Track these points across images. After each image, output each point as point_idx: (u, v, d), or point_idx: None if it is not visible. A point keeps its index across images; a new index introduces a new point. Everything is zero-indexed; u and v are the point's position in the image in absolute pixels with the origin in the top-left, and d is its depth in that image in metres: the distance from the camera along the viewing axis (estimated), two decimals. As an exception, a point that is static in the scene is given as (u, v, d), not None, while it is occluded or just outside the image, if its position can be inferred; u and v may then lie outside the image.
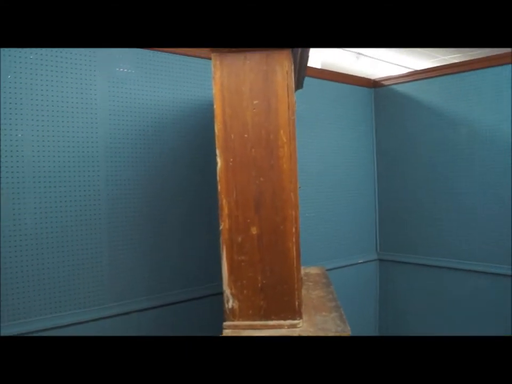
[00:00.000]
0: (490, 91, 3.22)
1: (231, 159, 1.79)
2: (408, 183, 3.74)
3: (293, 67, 1.81)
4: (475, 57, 3.44)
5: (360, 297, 3.87)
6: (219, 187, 1.80)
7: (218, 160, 1.79)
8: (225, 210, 1.80)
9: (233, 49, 1.78)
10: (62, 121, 2.27)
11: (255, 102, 1.80)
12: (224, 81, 1.79)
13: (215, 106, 1.78)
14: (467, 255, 3.40)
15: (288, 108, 1.80)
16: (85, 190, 2.33)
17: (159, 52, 2.64)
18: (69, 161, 2.29)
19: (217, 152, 1.79)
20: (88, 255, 2.33)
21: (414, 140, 3.67)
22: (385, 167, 3.90)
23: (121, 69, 2.48)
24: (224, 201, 1.80)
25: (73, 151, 2.31)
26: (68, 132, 2.29)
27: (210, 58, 2.87)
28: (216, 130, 1.79)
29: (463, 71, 3.36)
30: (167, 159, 2.66)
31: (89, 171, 2.35)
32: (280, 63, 1.79)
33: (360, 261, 3.86)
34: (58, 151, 2.26)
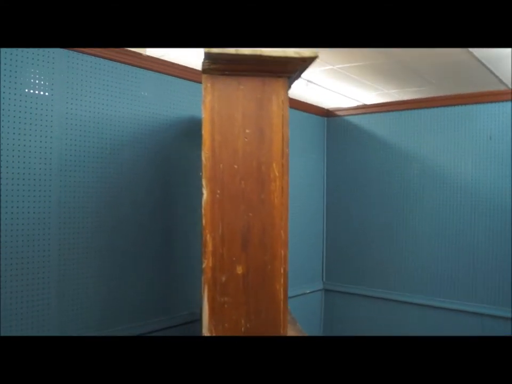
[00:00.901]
0: (439, 129, 3.35)
1: (218, 191, 1.64)
2: (356, 214, 3.77)
3: (288, 96, 1.70)
4: (416, 94, 3.57)
5: (307, 326, 3.80)
6: (203, 221, 1.63)
7: (204, 191, 1.63)
8: (209, 247, 1.64)
9: (227, 72, 1.64)
10: (14, 137, 1.98)
11: (247, 130, 1.67)
12: (215, 106, 1.65)
13: (203, 132, 1.63)
14: (409, 288, 3.48)
15: (283, 139, 1.69)
16: (34, 213, 2.03)
17: (119, 64, 2.42)
18: (18, 180, 1.99)
19: (203, 182, 1.63)
20: (35, 286, 2.03)
21: (365, 172, 3.72)
22: (335, 197, 3.91)
23: (80, 81, 2.23)
24: (208, 236, 1.63)
25: (24, 170, 2.01)
26: (20, 147, 2.00)
27: (176, 76, 2.74)
28: (203, 159, 1.63)
29: (416, 108, 3.47)
30: (124, 180, 2.43)
31: (40, 191, 2.06)
32: (276, 92, 1.69)
33: (307, 291, 3.80)
34: (7, 171, 1.95)
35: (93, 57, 2.27)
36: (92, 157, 2.26)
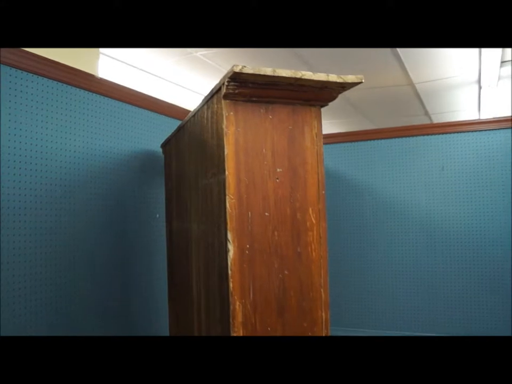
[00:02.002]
0: (391, 161, 3.29)
1: (248, 245, 1.31)
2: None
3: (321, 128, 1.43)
4: (346, 125, 3.50)
5: None
6: (230, 285, 1.29)
7: (230, 247, 1.29)
8: (239, 318, 1.30)
9: (254, 98, 1.33)
10: None
11: (278, 169, 1.37)
12: (239, 139, 1.33)
13: (227, 172, 1.30)
14: (359, 324, 3.39)
15: (318, 180, 1.41)
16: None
17: (74, 88, 1.98)
18: None
19: (229, 236, 1.29)
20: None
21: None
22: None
23: (24, 106, 1.76)
24: (237, 304, 1.29)
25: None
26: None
27: (132, 104, 2.35)
28: (227, 206, 1.30)
29: (366, 140, 3.38)
30: (79, 222, 1.97)
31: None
32: (309, 124, 1.41)
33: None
34: None
35: (36, 76, 1.82)
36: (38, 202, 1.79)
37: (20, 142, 1.74)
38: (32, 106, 1.80)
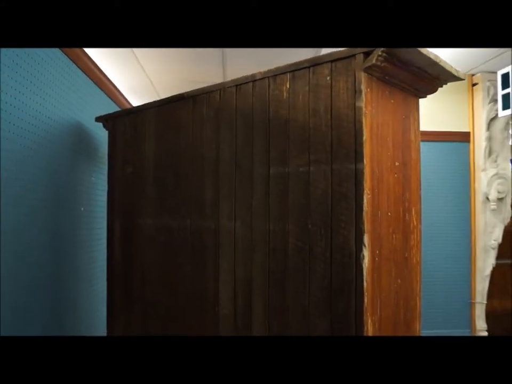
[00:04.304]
0: None
1: (377, 251, 1.10)
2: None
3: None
4: None
5: None
6: (365, 300, 1.05)
7: (366, 253, 1.05)
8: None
9: (387, 77, 1.13)
10: None
11: (396, 163, 1.19)
12: (373, 123, 1.10)
13: (364, 162, 1.06)
14: None
15: (418, 178, 1.29)
16: None
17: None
18: None
19: (365, 239, 1.05)
20: None
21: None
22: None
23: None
24: (369, 323, 1.06)
25: None
26: None
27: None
28: (364, 203, 1.06)
29: None
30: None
31: None
32: (413, 114, 1.27)
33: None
34: None
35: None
36: None
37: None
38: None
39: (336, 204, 1.10)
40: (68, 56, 1.73)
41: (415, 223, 1.25)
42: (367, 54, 1.06)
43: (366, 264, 1.05)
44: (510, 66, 2.75)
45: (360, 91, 1.06)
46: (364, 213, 1.05)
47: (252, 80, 1.30)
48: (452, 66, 1.19)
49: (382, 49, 1.03)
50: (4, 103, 1.29)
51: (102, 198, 2.17)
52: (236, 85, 1.34)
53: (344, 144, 1.08)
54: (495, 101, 3.14)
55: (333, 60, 1.12)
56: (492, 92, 3.13)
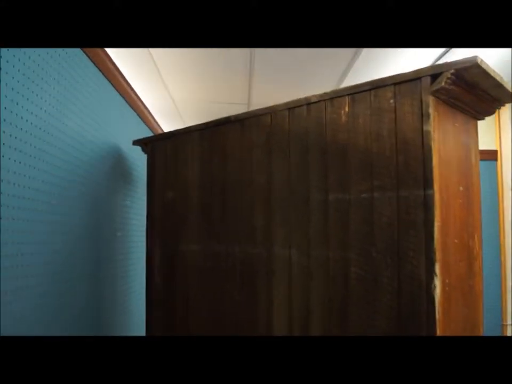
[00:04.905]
0: None
1: (447, 281, 1.06)
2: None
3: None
4: None
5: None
6: (437, 332, 1.01)
7: (437, 282, 1.01)
8: (443, 373, 1.02)
9: (452, 100, 1.10)
10: None
11: (461, 188, 1.15)
12: (441, 148, 1.07)
13: (434, 189, 1.02)
14: None
15: (479, 201, 1.25)
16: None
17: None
18: None
19: (437, 268, 1.01)
20: None
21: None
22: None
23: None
24: (443, 356, 1.01)
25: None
26: None
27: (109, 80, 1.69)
28: (435, 231, 1.02)
29: None
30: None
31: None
32: (473, 137, 1.24)
33: None
34: None
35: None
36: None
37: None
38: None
39: (404, 232, 1.06)
40: (104, 75, 1.72)
41: (477, 249, 1.21)
42: (433, 77, 1.04)
43: (438, 294, 1.01)
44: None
45: (428, 115, 1.03)
46: (435, 241, 1.01)
47: (306, 103, 1.27)
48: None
49: (451, 71, 1.00)
50: (48, 125, 1.27)
51: (135, 222, 2.14)
52: (289, 108, 1.31)
53: (412, 170, 1.05)
54: (522, 119, 3.11)
55: (396, 82, 1.09)
56: (518, 109, 3.10)
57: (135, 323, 2.16)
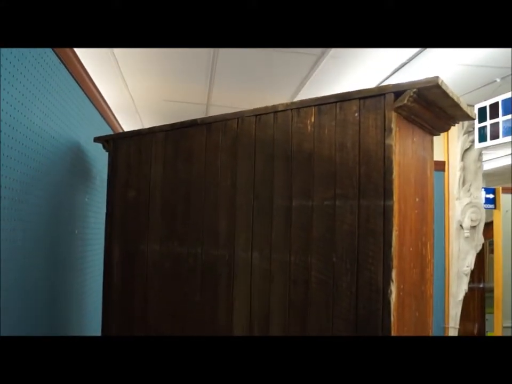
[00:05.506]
0: None
1: (402, 286, 1.12)
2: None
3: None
4: None
5: None
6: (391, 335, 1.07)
7: (393, 288, 1.08)
8: (395, 374, 1.08)
9: (412, 117, 1.17)
10: None
11: (417, 199, 1.22)
12: (401, 161, 1.13)
13: (394, 200, 1.08)
14: None
15: (432, 214, 1.33)
16: None
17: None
18: None
19: (393, 275, 1.07)
20: None
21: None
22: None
23: None
24: (396, 358, 1.08)
25: None
26: None
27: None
28: (393, 239, 1.08)
29: None
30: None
31: None
32: (429, 153, 1.32)
33: None
34: None
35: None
36: None
37: None
38: None
39: (364, 240, 1.11)
40: (69, 71, 1.68)
41: (429, 256, 1.29)
42: (396, 94, 1.10)
43: (394, 299, 1.07)
44: (487, 101, 2.90)
45: (390, 129, 1.09)
46: (393, 249, 1.07)
47: (273, 111, 1.31)
48: (467, 107, 1.25)
49: (414, 90, 1.07)
50: (7, 116, 1.24)
51: (94, 220, 2.11)
52: (256, 115, 1.34)
53: (373, 180, 1.11)
54: (469, 132, 3.30)
55: (361, 97, 1.15)
56: (466, 124, 3.28)
57: (91, 323, 2.12)
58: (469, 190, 3.33)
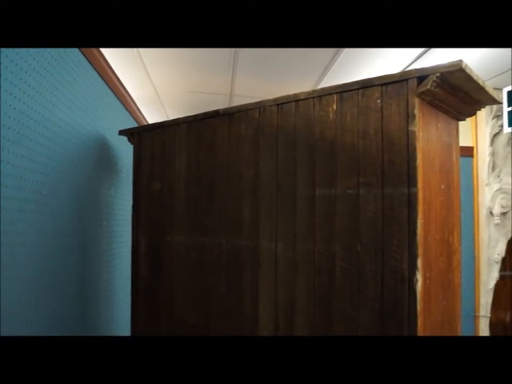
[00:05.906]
0: None
1: (428, 274, 1.11)
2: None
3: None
4: None
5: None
6: (418, 324, 1.06)
7: (419, 276, 1.06)
8: None
9: (436, 102, 1.14)
10: None
11: (442, 186, 1.20)
12: (425, 147, 1.11)
13: (418, 187, 1.06)
14: None
15: (459, 199, 1.30)
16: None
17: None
18: None
19: (419, 263, 1.06)
20: None
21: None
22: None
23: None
24: (422, 346, 1.07)
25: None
26: None
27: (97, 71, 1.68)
28: (418, 227, 1.06)
29: None
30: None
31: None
32: (454, 138, 1.29)
33: None
34: None
35: None
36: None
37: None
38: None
39: (388, 228, 1.10)
40: (93, 66, 1.71)
41: (456, 244, 1.26)
42: (419, 79, 1.07)
43: (419, 288, 1.05)
44: (516, 84, 2.81)
45: (414, 116, 1.07)
46: (418, 237, 1.05)
47: (295, 99, 1.30)
48: (493, 91, 1.21)
49: (437, 74, 1.04)
50: (40, 117, 1.27)
51: (120, 212, 2.14)
52: (277, 104, 1.34)
53: (397, 168, 1.09)
54: (498, 116, 3.20)
55: (383, 83, 1.13)
56: (495, 108, 3.19)
57: (120, 314, 2.17)
58: (498, 176, 3.24)
